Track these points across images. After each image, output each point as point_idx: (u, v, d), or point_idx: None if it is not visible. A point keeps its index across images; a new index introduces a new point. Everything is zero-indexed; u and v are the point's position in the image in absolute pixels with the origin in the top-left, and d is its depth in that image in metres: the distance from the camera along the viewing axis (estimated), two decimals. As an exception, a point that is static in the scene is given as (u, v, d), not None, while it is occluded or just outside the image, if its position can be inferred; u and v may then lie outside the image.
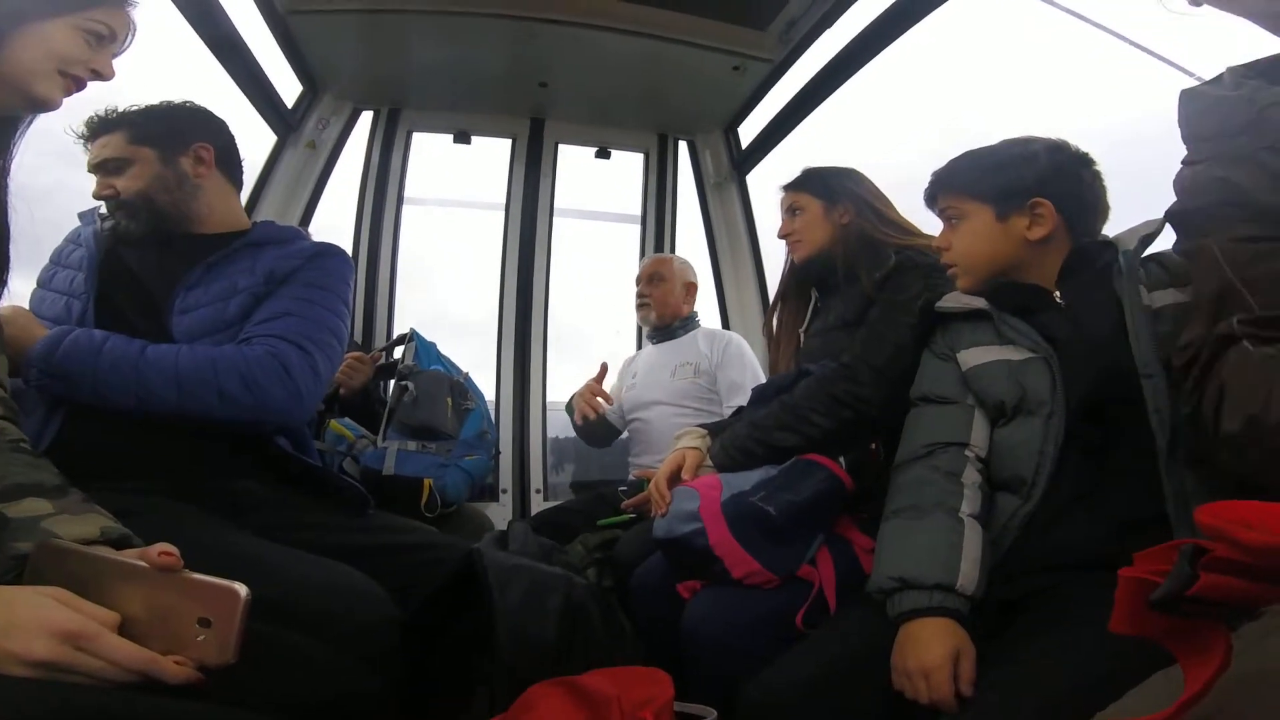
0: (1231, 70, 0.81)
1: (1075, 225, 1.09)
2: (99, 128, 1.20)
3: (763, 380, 1.79)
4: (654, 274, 2.41)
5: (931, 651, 0.87)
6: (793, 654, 0.99)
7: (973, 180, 1.12)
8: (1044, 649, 0.81)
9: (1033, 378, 1.01)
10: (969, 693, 0.85)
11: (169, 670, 0.59)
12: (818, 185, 1.58)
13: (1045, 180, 1.07)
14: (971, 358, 1.10)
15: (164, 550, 0.64)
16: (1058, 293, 1.07)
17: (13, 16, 0.82)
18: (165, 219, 1.20)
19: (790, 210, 1.59)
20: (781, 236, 1.60)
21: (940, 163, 1.17)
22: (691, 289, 2.46)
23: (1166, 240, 1.00)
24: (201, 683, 0.60)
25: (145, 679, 0.58)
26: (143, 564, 0.64)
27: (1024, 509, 0.98)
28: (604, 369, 2.27)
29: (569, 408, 2.29)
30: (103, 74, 0.90)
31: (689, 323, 2.40)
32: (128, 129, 1.20)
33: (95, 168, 1.20)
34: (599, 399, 2.22)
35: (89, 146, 1.21)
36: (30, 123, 0.90)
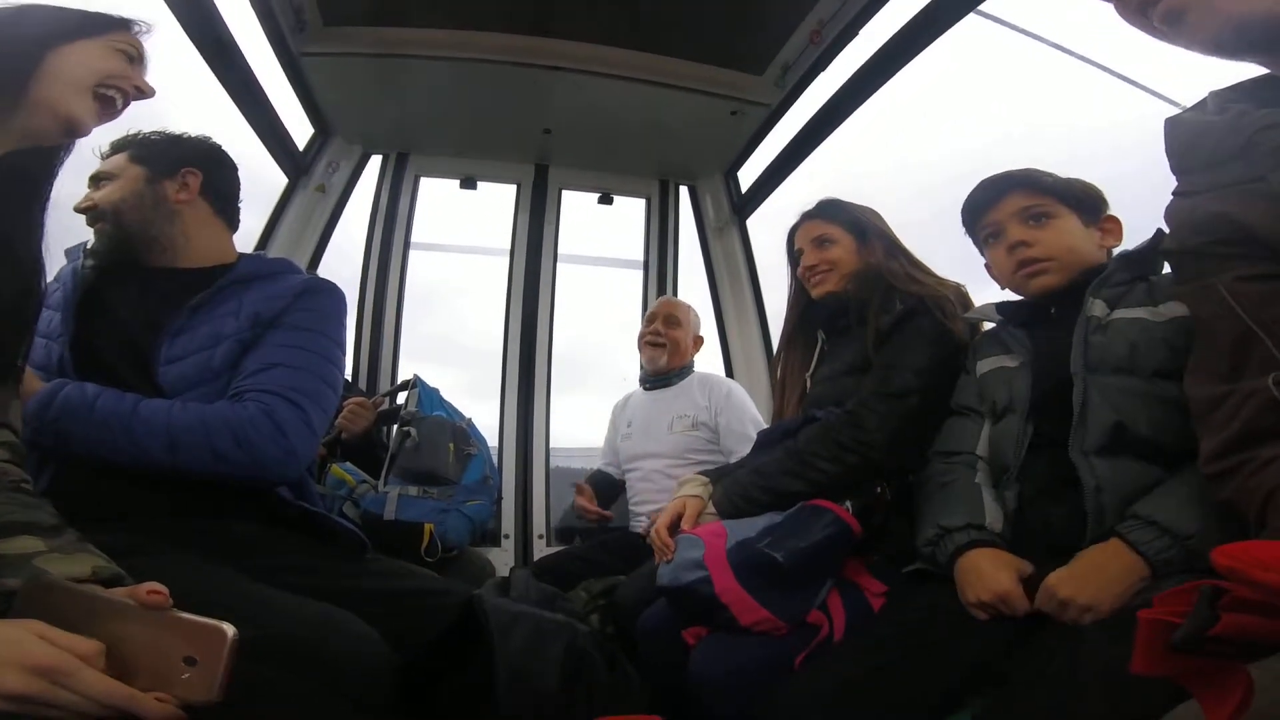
0: (1214, 94, 0.79)
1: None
2: (115, 146, 1.22)
3: (764, 427, 1.76)
4: (670, 316, 2.37)
5: (997, 578, 0.98)
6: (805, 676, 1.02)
7: (1054, 186, 1.19)
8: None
9: (1019, 382, 1.14)
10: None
11: (148, 707, 0.58)
12: (848, 219, 1.52)
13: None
14: (984, 367, 1.23)
15: (153, 589, 0.64)
16: (1054, 309, 1.16)
17: (47, 37, 0.85)
18: (132, 238, 1.17)
19: (819, 242, 1.52)
20: (806, 268, 1.53)
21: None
22: (699, 343, 2.44)
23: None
24: None
25: (123, 715, 0.57)
26: (130, 601, 0.63)
27: (1009, 492, 1.10)
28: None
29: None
30: (145, 91, 0.92)
31: (684, 370, 2.35)
32: (133, 149, 1.22)
33: (90, 180, 1.20)
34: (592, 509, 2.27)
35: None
36: (67, 154, 0.90)
